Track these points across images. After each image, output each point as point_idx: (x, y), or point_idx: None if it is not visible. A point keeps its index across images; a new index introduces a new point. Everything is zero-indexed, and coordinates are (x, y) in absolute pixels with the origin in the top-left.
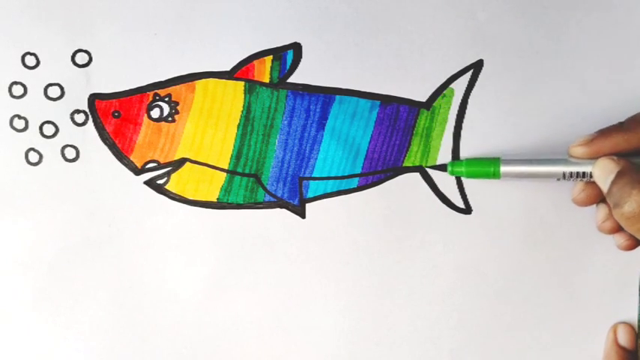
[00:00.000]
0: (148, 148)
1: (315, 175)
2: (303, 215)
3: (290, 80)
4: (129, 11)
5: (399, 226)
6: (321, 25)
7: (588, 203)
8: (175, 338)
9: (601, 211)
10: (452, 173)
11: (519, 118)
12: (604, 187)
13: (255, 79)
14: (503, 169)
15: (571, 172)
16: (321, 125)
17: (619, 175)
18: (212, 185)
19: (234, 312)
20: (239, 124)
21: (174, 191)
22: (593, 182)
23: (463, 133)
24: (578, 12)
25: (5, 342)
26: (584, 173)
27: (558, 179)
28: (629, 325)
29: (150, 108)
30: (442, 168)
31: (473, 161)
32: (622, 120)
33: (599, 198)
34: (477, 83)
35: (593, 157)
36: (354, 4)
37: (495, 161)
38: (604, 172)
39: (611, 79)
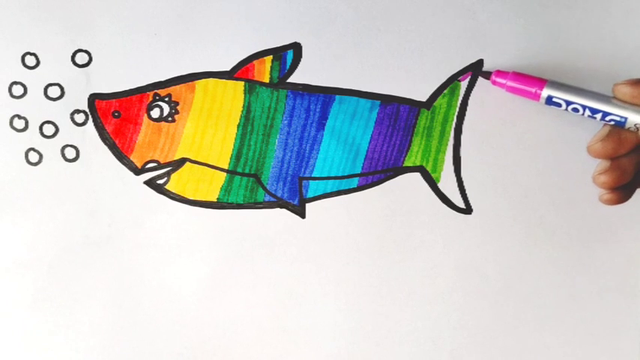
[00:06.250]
0: (148, 148)
1: (315, 175)
2: (303, 215)
3: (290, 80)
4: (129, 11)
5: (399, 226)
6: (321, 25)
7: (602, 155)
8: (175, 338)
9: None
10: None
11: (519, 117)
12: None
13: (255, 79)
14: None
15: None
16: (321, 125)
17: None
18: (212, 185)
19: (234, 312)
20: (239, 124)
21: (174, 191)
22: (619, 133)
23: (463, 133)
24: (578, 12)
25: (5, 342)
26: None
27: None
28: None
29: (150, 108)
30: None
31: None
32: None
33: (614, 154)
34: (477, 83)
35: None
36: (354, 4)
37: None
38: None
39: (611, 78)
